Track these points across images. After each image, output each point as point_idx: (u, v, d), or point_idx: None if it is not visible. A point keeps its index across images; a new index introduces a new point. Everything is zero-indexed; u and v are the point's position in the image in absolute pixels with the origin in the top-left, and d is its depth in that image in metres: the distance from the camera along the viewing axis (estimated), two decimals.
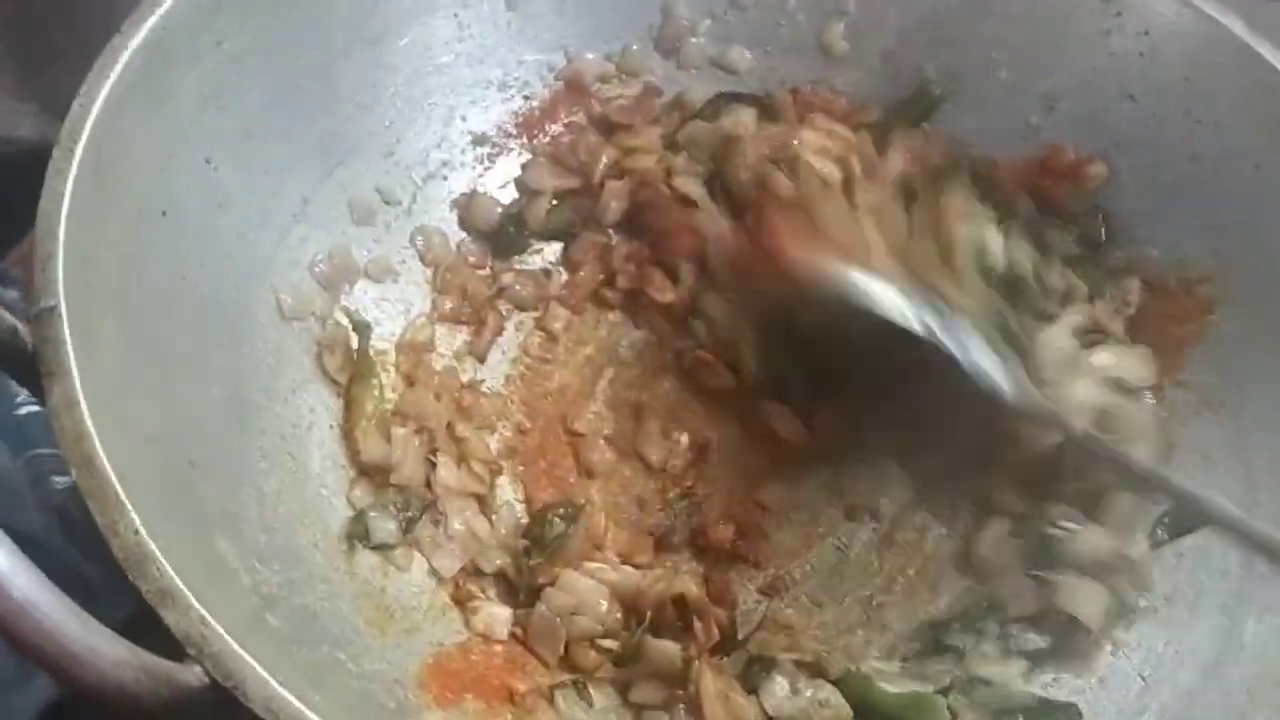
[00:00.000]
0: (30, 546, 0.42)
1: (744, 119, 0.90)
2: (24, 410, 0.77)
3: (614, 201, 0.88)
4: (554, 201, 0.89)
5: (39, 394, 0.54)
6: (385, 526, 0.73)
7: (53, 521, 0.71)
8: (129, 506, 0.50)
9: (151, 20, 0.66)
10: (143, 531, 0.49)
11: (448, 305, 0.85)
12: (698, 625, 0.70)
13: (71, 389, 0.52)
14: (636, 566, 0.76)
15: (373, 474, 0.74)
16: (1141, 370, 0.82)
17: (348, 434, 0.74)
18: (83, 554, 0.67)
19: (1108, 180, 0.86)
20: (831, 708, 0.68)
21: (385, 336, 0.82)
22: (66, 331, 0.54)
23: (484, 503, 0.77)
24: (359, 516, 0.73)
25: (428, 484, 0.76)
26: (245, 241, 0.73)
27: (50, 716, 0.67)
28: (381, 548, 0.73)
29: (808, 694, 0.68)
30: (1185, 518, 0.75)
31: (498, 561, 0.75)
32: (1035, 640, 0.75)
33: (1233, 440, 0.77)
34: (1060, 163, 0.87)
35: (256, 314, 0.73)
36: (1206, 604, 0.71)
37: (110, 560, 0.49)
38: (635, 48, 0.92)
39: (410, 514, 0.74)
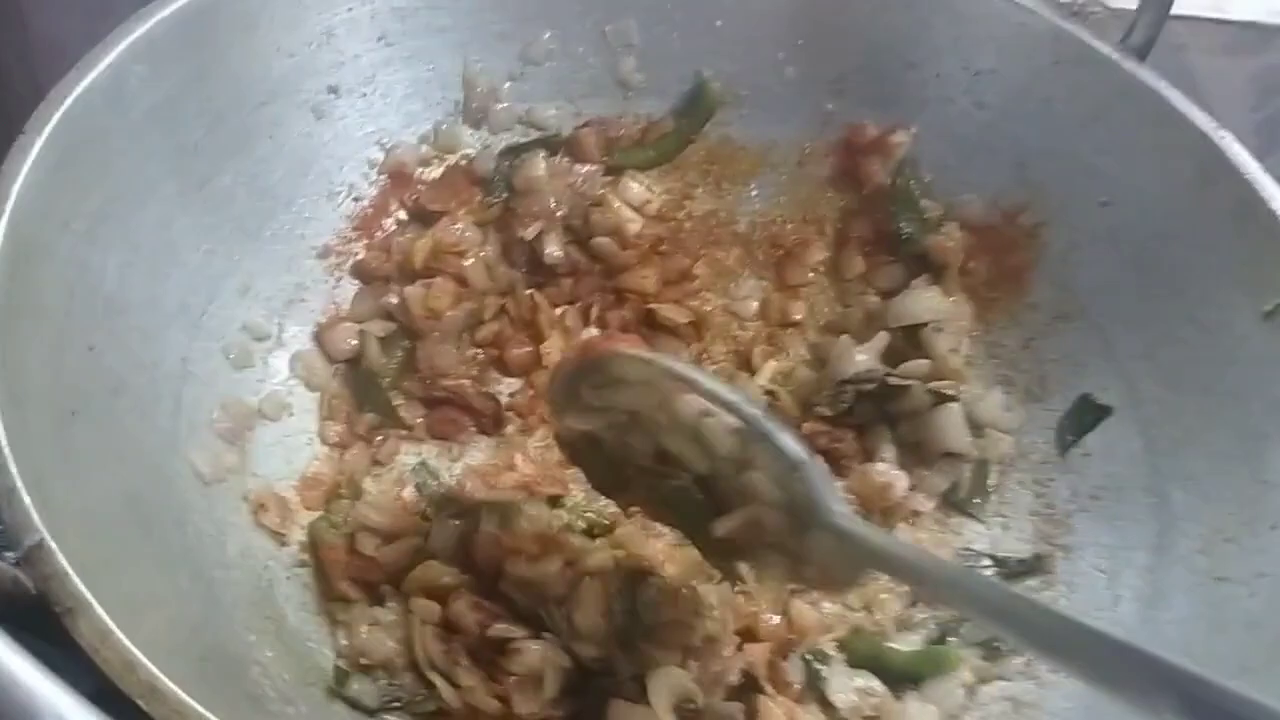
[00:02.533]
0: None
1: (531, 166, 0.91)
2: None
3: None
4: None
5: (51, 639, 0.50)
6: (368, 693, 0.70)
7: None
8: (211, 716, 0.47)
9: (1, 224, 0.62)
10: None
11: (334, 431, 0.83)
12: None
13: (97, 620, 0.49)
14: None
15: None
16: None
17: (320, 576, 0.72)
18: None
19: (911, 145, 0.92)
20: (877, 695, 0.71)
21: (296, 472, 0.79)
22: (65, 563, 0.50)
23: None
24: (341, 679, 0.70)
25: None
26: (147, 420, 0.70)
27: None
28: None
29: (856, 683, 0.71)
30: (1083, 418, 0.82)
31: None
32: (989, 565, 0.81)
33: (1094, 342, 0.85)
34: (863, 139, 0.94)
35: (183, 490, 0.70)
36: (1129, 489, 0.79)
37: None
38: (445, 126, 0.92)
39: (400, 694, 0.71)
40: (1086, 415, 0.83)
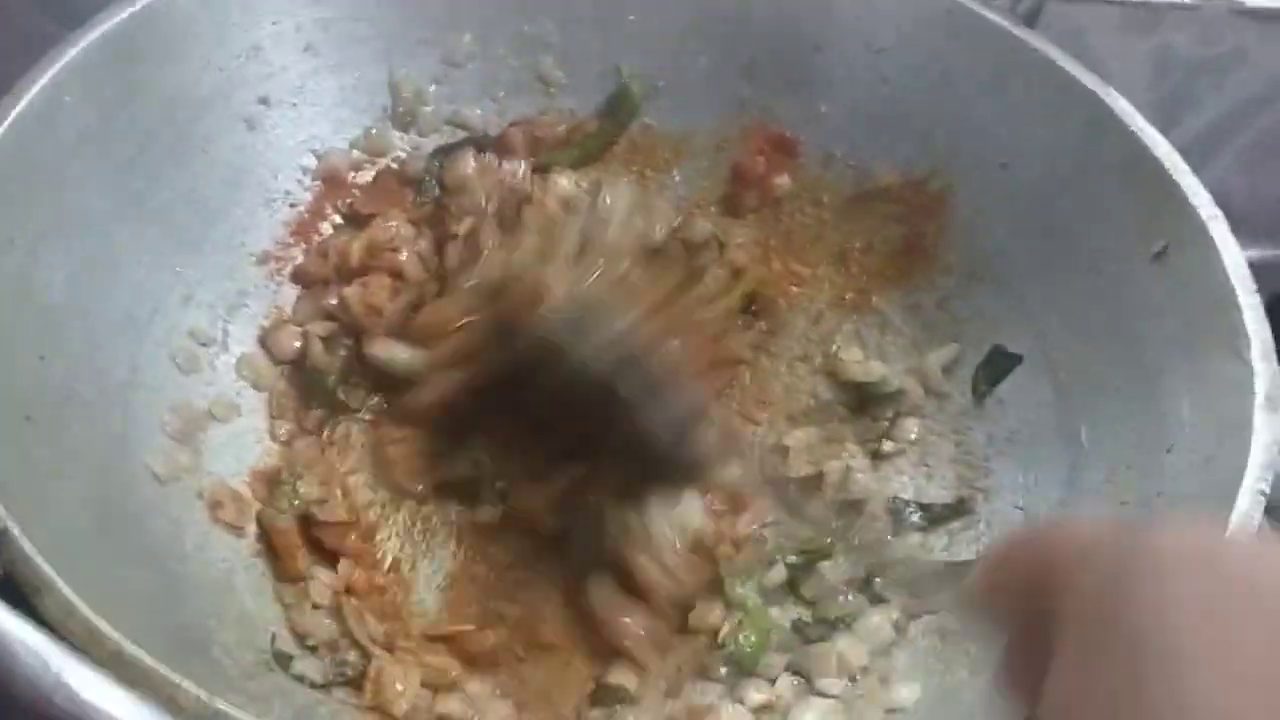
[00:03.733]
0: None
1: (461, 164, 0.95)
2: None
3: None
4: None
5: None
6: (313, 669, 0.73)
7: None
8: (178, 679, 0.50)
9: None
10: (204, 695, 0.50)
11: (284, 428, 0.86)
12: None
13: (62, 596, 0.52)
14: None
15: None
16: None
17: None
18: None
19: (794, 184, 0.98)
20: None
21: (248, 468, 0.82)
22: (29, 547, 0.53)
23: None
24: (283, 660, 0.72)
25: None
26: (99, 424, 0.73)
27: None
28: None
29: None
30: (996, 367, 0.87)
31: None
32: (916, 512, 0.85)
33: (1004, 297, 0.89)
34: (751, 173, 0.98)
35: (139, 489, 0.73)
36: (1041, 431, 0.83)
37: None
38: (375, 130, 0.95)
39: (345, 670, 0.73)
40: (999, 365, 0.87)
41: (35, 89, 0.73)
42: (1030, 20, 0.89)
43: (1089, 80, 0.84)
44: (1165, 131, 0.82)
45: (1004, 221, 0.90)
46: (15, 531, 0.54)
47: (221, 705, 0.50)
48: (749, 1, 0.95)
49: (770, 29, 0.96)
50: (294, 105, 0.91)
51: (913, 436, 0.88)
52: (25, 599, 0.52)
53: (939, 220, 0.93)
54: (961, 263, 0.92)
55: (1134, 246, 0.80)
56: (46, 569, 0.52)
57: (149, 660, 0.50)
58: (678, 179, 1.01)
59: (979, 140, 0.91)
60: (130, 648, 0.51)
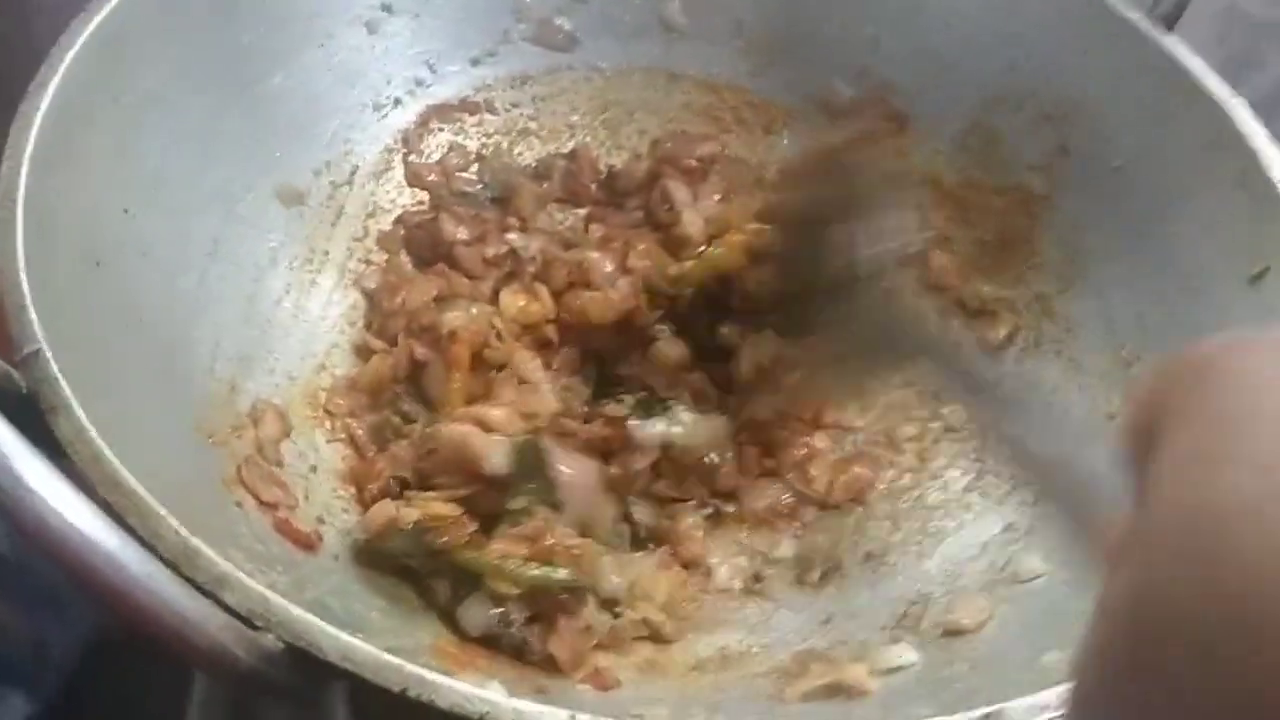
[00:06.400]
0: None
1: None
2: None
3: None
4: None
5: (39, 438, 0.56)
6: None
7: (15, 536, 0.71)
8: (163, 512, 0.52)
9: (54, 83, 0.68)
10: (183, 531, 0.52)
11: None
12: None
13: (75, 418, 0.55)
14: None
15: None
16: None
17: None
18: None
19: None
20: None
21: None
22: (56, 370, 0.56)
23: None
24: None
25: None
26: (171, 285, 0.75)
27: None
28: None
29: None
30: None
31: None
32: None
33: (1094, 307, 0.86)
34: None
35: (198, 353, 0.75)
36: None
37: None
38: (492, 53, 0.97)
39: None
40: None
41: None
42: (1171, 21, 0.84)
43: (1217, 89, 0.80)
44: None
45: (1105, 226, 0.86)
46: (48, 354, 0.56)
47: (197, 542, 0.52)
48: None
49: (899, 2, 0.94)
50: (416, 15, 0.93)
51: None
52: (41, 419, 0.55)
53: (1041, 216, 0.90)
54: (1052, 262, 0.89)
55: (1234, 265, 0.76)
56: (67, 392, 0.55)
57: (138, 486, 0.52)
58: (785, 142, 1.00)
59: (1099, 138, 0.87)
60: (125, 473, 0.53)
